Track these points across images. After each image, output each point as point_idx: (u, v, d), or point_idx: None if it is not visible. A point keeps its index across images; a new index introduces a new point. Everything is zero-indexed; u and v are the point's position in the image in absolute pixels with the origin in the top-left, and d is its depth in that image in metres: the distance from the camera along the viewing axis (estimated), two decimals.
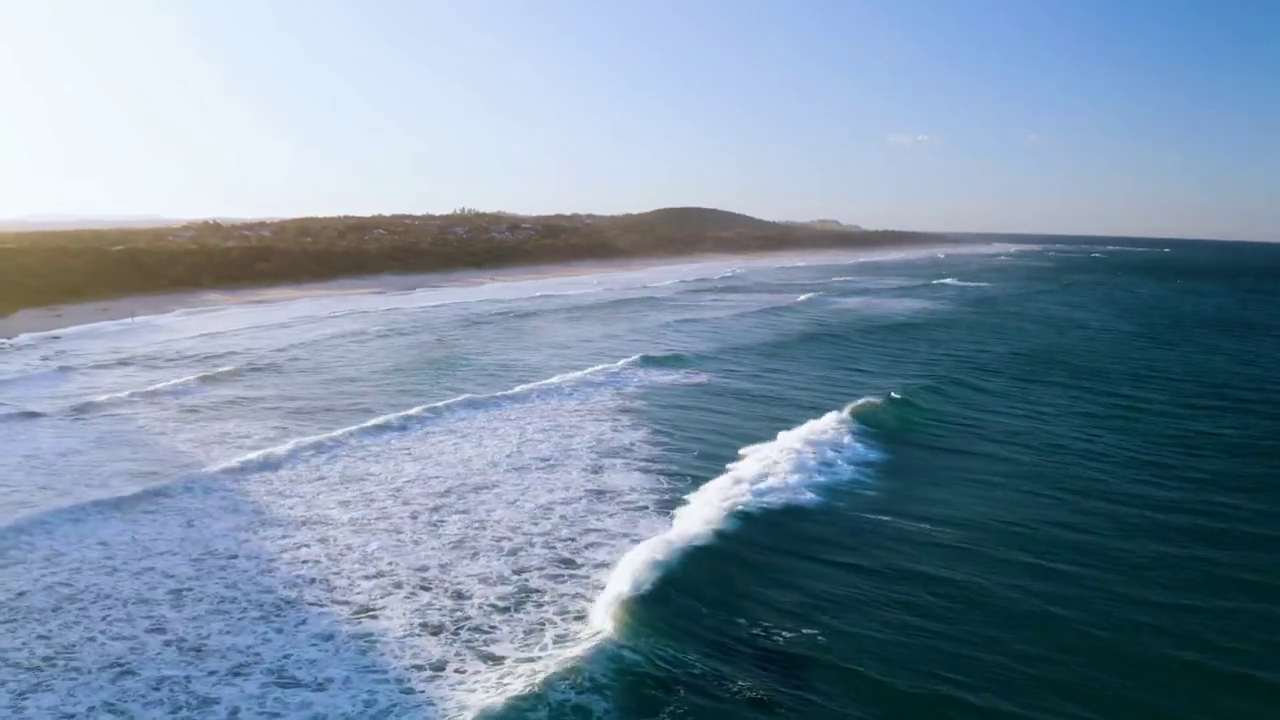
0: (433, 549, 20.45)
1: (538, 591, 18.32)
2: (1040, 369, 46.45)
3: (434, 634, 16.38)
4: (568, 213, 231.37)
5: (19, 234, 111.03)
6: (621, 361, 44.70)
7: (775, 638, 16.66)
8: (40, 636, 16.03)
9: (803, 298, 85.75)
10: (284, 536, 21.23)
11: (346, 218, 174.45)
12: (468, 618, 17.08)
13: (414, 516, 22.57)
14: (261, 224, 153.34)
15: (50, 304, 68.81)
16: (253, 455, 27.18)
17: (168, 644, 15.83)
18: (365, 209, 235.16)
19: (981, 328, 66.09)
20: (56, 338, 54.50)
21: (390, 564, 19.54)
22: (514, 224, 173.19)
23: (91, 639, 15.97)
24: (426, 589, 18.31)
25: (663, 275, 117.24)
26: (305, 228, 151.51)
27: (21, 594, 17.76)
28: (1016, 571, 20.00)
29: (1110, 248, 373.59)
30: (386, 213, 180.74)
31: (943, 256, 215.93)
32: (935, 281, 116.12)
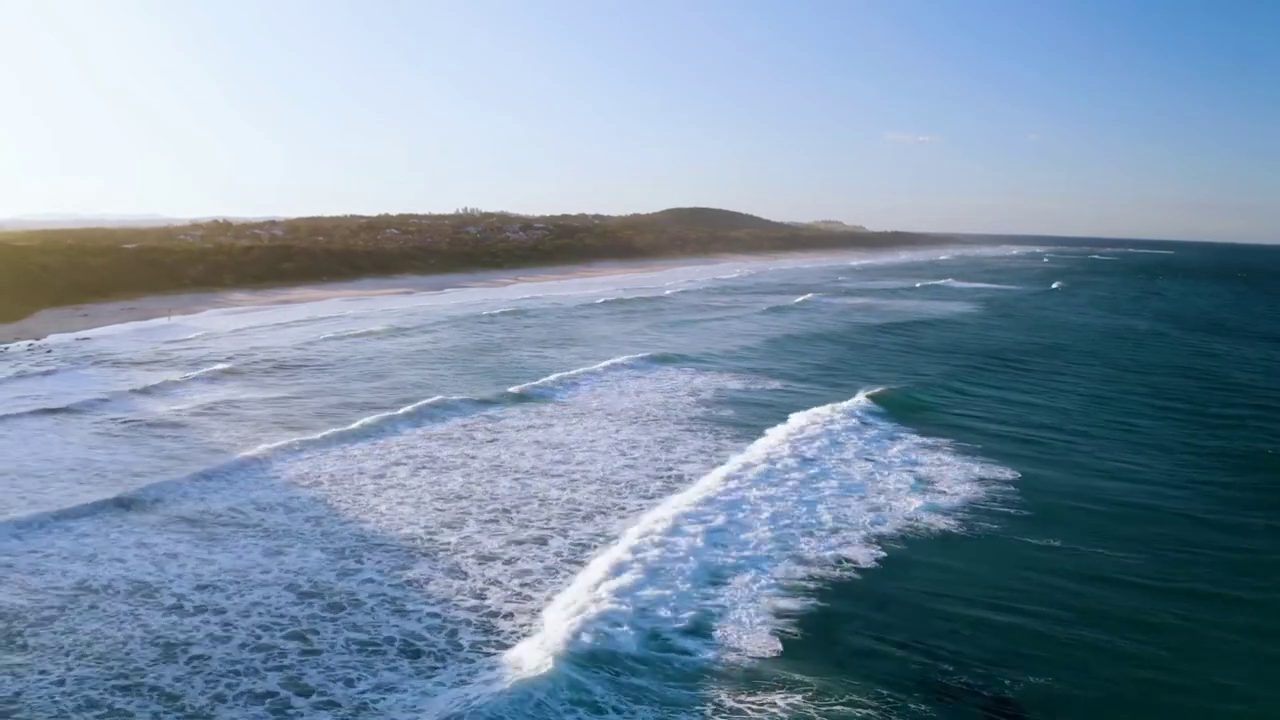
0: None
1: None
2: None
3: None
4: (573, 213, 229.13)
5: (30, 232, 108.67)
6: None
7: None
8: None
9: (859, 301, 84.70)
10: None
11: (355, 217, 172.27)
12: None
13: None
14: (272, 222, 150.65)
15: (72, 304, 66.68)
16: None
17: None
18: (363, 208, 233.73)
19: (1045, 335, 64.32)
20: (87, 338, 52.37)
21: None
22: (526, 224, 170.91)
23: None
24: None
25: (696, 275, 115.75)
26: (317, 227, 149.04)
27: None
28: None
29: (1108, 250, 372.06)
30: (383, 212, 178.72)
31: (948, 258, 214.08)
32: (971, 285, 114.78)
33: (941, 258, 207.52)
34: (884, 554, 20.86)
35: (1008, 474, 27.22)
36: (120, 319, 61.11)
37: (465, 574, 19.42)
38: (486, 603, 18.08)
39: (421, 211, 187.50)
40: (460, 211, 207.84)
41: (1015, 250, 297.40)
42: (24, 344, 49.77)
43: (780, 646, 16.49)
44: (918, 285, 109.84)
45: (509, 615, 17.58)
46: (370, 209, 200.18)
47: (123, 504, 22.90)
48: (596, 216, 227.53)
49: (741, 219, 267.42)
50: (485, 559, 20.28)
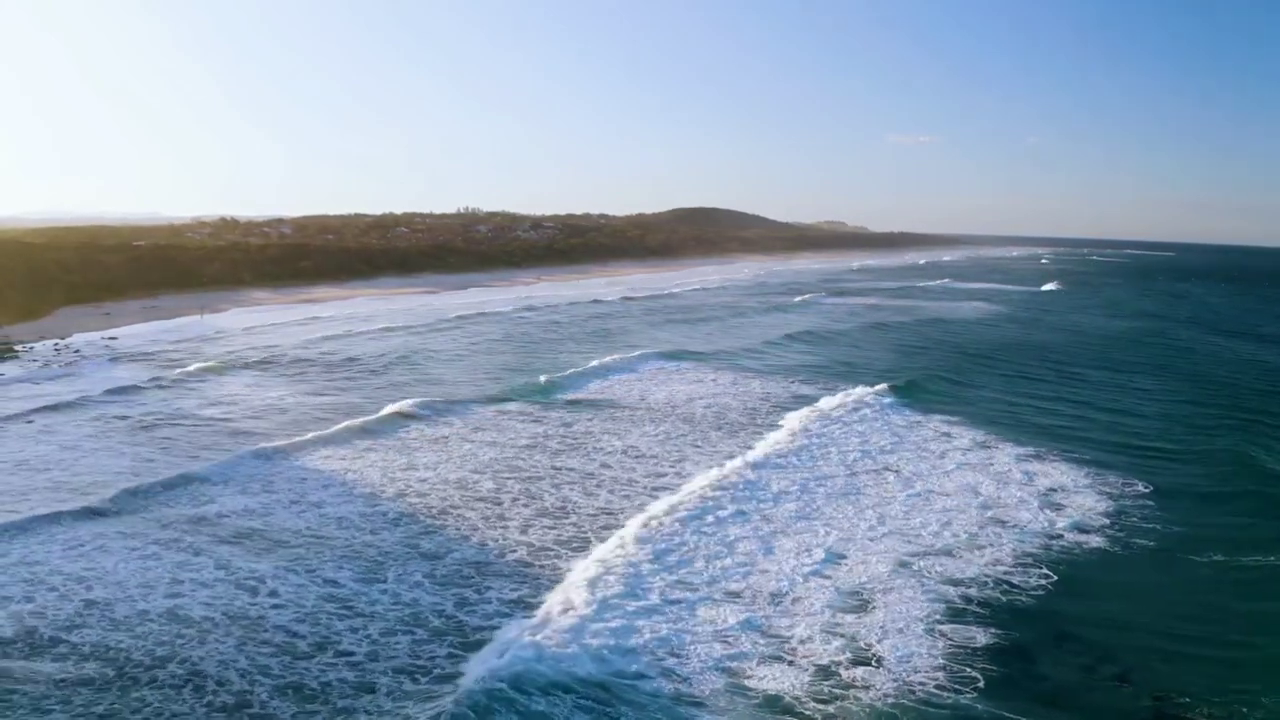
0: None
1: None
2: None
3: None
4: (576, 212, 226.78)
5: (36, 229, 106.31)
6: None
7: None
8: None
9: (903, 302, 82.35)
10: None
11: (361, 216, 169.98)
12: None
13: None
14: (280, 221, 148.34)
15: (90, 302, 64.53)
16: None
17: None
18: (363, 207, 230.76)
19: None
20: (114, 338, 50.24)
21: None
22: (536, 223, 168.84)
23: None
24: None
25: (719, 275, 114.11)
26: (326, 225, 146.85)
27: None
28: None
29: (1109, 251, 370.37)
30: (385, 211, 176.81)
31: (958, 259, 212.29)
32: (1003, 287, 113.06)
33: (948, 258, 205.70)
34: (1046, 575, 19.18)
35: (1138, 486, 25.53)
36: (143, 317, 59.00)
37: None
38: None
39: (422, 211, 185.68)
40: (462, 211, 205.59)
41: (1016, 251, 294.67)
42: (49, 344, 47.64)
43: (980, 681, 14.72)
44: (946, 286, 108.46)
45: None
46: (370, 208, 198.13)
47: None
48: (601, 216, 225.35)
49: (748, 219, 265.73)
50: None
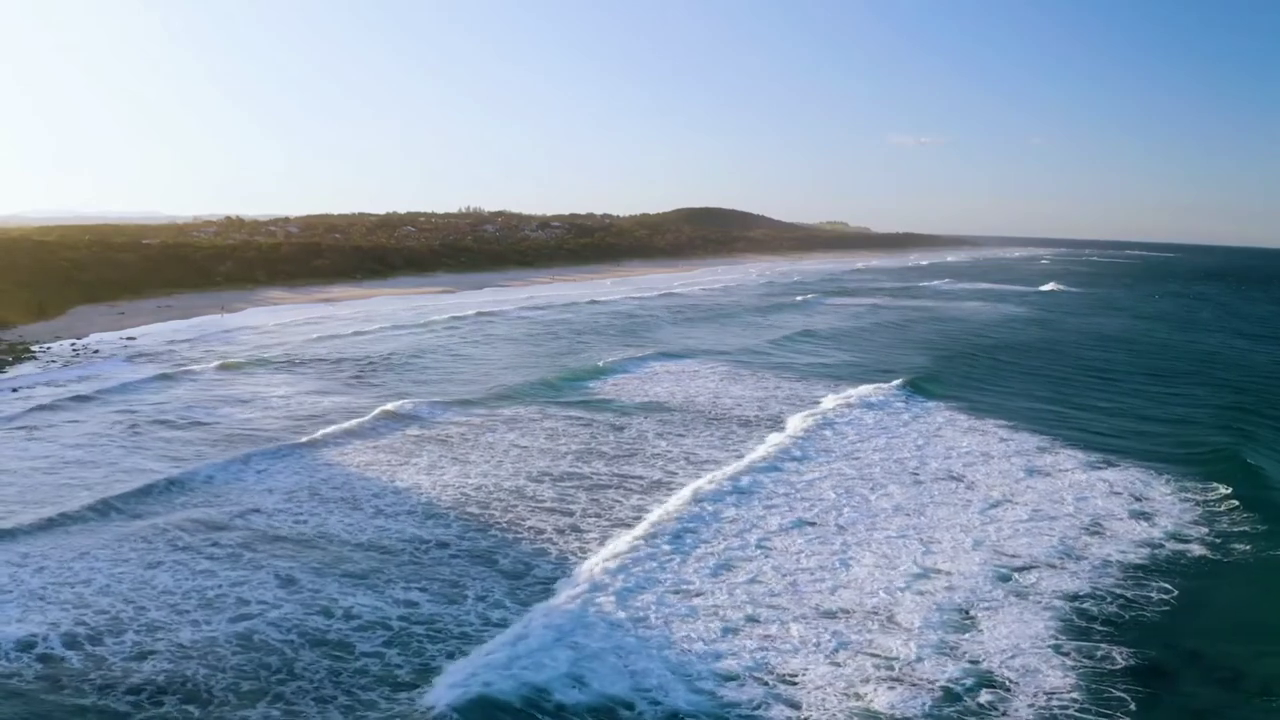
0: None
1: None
2: None
3: None
4: (581, 212, 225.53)
5: (46, 227, 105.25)
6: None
7: None
8: None
9: (924, 303, 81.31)
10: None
11: (365, 215, 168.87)
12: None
13: None
14: (286, 219, 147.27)
15: (105, 301, 63.37)
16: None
17: None
18: (363, 206, 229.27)
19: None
20: (133, 338, 49.04)
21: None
22: (544, 222, 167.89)
23: None
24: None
25: (733, 275, 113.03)
26: (332, 224, 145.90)
27: None
28: None
29: (1111, 252, 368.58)
30: (388, 210, 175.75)
31: (966, 259, 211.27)
32: (1012, 288, 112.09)
33: (952, 259, 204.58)
34: (1163, 588, 18.04)
35: (1219, 489, 24.41)
36: (159, 317, 57.81)
37: None
38: None
39: (424, 210, 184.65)
40: (463, 210, 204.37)
41: (1018, 252, 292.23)
42: (66, 344, 46.41)
43: (1129, 703, 13.64)
44: (965, 287, 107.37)
45: None
46: (369, 207, 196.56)
47: None
48: (605, 216, 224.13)
49: (753, 219, 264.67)
50: None
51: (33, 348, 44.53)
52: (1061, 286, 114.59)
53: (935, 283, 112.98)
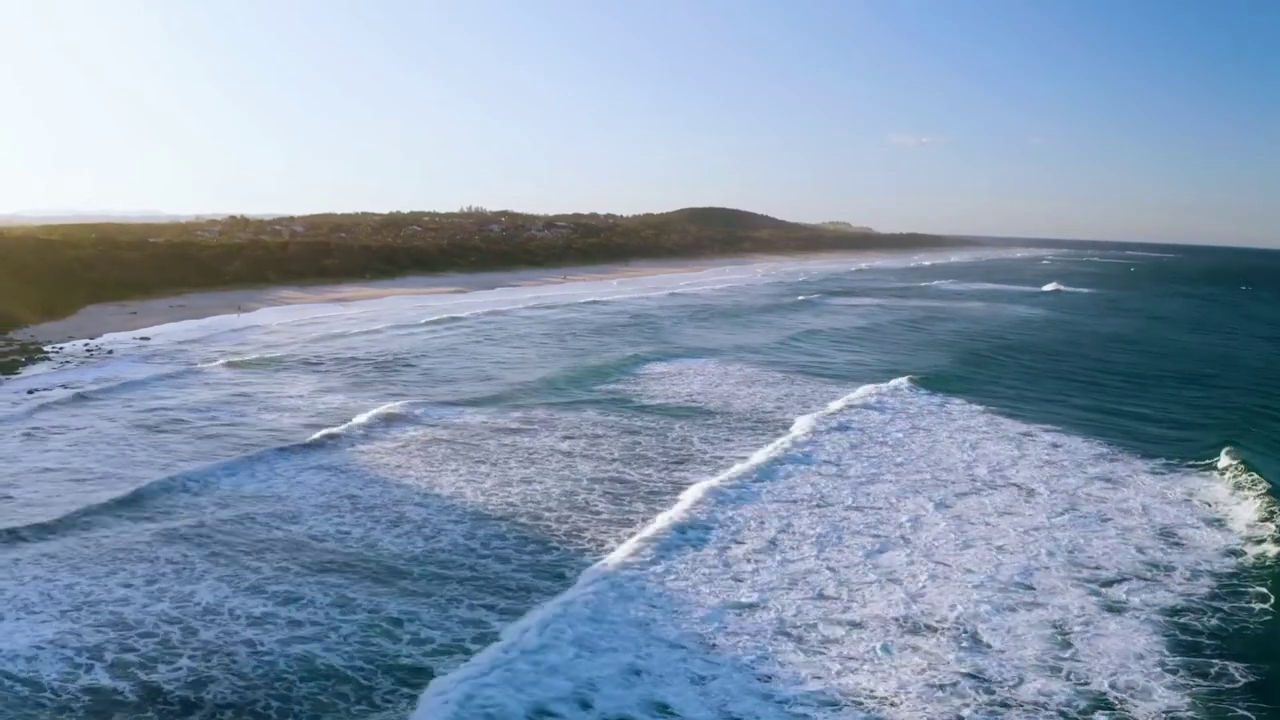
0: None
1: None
2: None
3: None
4: (584, 211, 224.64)
5: (49, 226, 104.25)
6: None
7: None
8: None
9: (933, 303, 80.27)
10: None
11: (369, 214, 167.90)
12: None
13: None
14: (290, 219, 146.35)
15: (115, 300, 62.46)
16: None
17: None
18: (363, 206, 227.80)
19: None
20: (147, 339, 48.11)
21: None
22: (549, 222, 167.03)
23: None
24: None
25: (743, 276, 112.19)
26: (337, 224, 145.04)
27: None
28: None
29: (1112, 253, 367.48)
30: (390, 209, 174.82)
31: (970, 260, 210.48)
32: (1025, 288, 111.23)
33: (956, 260, 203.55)
34: (1262, 594, 17.27)
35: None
36: (172, 316, 56.89)
37: None
38: None
39: (427, 209, 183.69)
40: (465, 209, 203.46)
41: (1020, 253, 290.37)
42: (79, 343, 45.48)
43: None
44: (974, 287, 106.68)
45: None
46: (370, 206, 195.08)
47: None
48: (609, 215, 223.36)
49: (758, 219, 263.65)
50: None
51: (45, 348, 43.62)
52: (1066, 287, 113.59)
53: (943, 283, 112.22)
